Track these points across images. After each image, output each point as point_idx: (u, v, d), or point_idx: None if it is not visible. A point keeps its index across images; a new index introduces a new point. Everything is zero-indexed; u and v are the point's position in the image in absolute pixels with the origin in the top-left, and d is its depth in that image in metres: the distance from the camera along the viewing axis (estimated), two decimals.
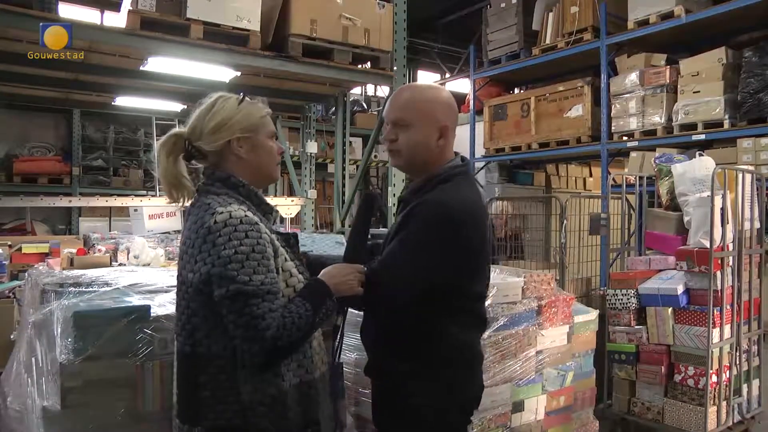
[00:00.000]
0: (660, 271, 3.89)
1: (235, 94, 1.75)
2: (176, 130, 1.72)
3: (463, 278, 1.81)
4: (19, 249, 4.34)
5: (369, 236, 1.98)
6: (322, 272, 1.71)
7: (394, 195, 5.11)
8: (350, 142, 7.47)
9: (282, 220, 6.43)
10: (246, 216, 1.56)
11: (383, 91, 12.06)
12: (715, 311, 3.57)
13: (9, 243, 4.44)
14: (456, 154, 1.93)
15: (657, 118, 6.22)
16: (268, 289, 1.52)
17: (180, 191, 1.68)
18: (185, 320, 1.61)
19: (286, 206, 6.16)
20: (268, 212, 1.73)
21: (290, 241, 1.76)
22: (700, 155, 4.10)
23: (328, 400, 1.79)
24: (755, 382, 3.98)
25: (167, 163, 1.67)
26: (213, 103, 1.70)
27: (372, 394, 2.03)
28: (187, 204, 1.72)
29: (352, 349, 2.58)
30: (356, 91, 11.98)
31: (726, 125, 5.69)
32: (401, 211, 1.87)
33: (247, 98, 1.74)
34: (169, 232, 5.08)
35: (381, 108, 7.33)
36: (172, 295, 1.86)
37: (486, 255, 1.89)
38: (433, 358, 1.83)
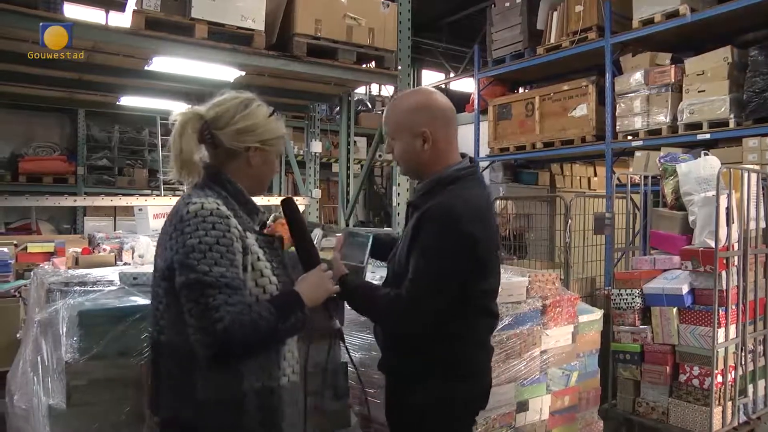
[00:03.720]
0: (665, 270, 3.87)
1: (268, 105, 1.75)
2: (198, 109, 1.69)
3: (474, 277, 1.83)
4: (25, 248, 4.35)
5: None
6: (297, 283, 1.70)
7: (399, 195, 5.12)
8: (354, 141, 7.47)
9: None
10: (218, 209, 1.55)
11: (388, 90, 12.08)
12: (720, 311, 3.55)
13: (15, 242, 4.46)
14: (464, 155, 1.95)
15: (662, 118, 6.20)
16: (227, 282, 1.49)
17: (192, 173, 1.65)
18: (154, 307, 1.61)
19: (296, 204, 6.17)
20: (253, 212, 1.72)
21: (274, 243, 1.73)
22: (705, 154, 4.09)
23: (297, 412, 1.75)
24: (761, 383, 3.96)
25: (191, 140, 1.63)
26: (247, 103, 1.70)
27: (386, 391, 2.05)
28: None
29: (356, 349, 2.59)
30: (360, 90, 12.00)
31: (731, 124, 5.67)
32: (411, 215, 1.92)
33: (276, 113, 1.75)
34: None
35: (385, 108, 7.34)
36: None
37: (494, 252, 1.92)
38: (440, 357, 1.85)
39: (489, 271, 1.90)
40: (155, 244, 1.69)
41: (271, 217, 2.27)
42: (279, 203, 1.89)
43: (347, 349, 1.93)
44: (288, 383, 1.69)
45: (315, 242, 2.06)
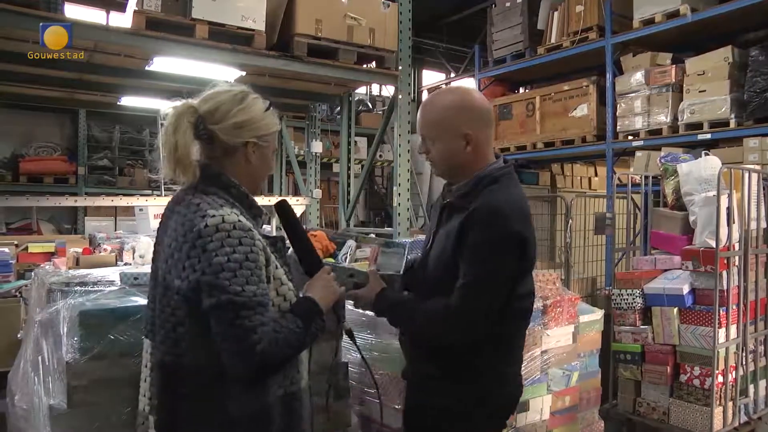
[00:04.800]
0: (665, 270, 3.88)
1: (262, 98, 1.68)
2: (190, 102, 1.61)
3: (520, 278, 1.81)
4: (26, 248, 4.35)
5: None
6: (307, 289, 1.67)
7: (399, 195, 5.12)
8: (355, 141, 7.46)
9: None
10: (239, 221, 1.48)
11: (388, 90, 12.06)
12: (720, 311, 3.55)
13: (15, 242, 4.46)
14: (497, 155, 1.93)
15: (662, 118, 6.20)
16: (259, 300, 1.44)
17: (186, 171, 1.57)
18: (170, 328, 1.52)
19: (291, 206, 6.15)
20: (258, 215, 1.65)
21: (278, 245, 1.65)
22: (706, 154, 4.09)
23: (311, 412, 1.73)
24: (762, 383, 3.96)
25: (186, 134, 1.55)
26: (243, 96, 1.63)
27: (406, 397, 2.03)
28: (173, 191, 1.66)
29: (356, 349, 2.58)
30: (361, 90, 11.98)
31: (732, 124, 5.67)
32: (448, 216, 1.86)
33: (272, 107, 1.69)
34: None
35: (386, 108, 7.34)
36: None
37: (533, 252, 1.88)
38: (477, 361, 1.82)
39: (530, 272, 1.88)
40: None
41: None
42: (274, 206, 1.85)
43: (359, 348, 1.92)
44: (305, 385, 1.68)
45: (348, 254, 2.04)
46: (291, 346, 1.49)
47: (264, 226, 1.84)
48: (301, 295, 1.66)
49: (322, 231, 2.22)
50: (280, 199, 1.88)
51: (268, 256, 1.55)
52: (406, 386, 2.03)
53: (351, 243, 2.13)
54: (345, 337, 1.95)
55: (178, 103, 1.62)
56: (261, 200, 5.67)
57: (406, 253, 2.03)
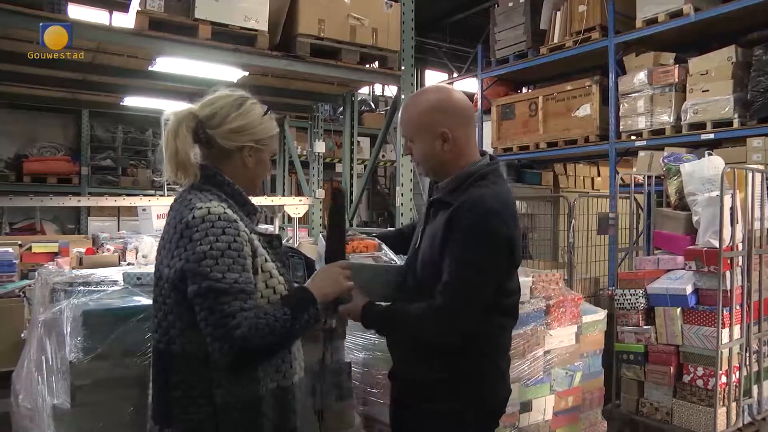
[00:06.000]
0: (669, 271, 3.87)
1: (261, 103, 1.71)
2: (191, 108, 1.66)
3: (506, 274, 1.82)
4: (29, 248, 4.37)
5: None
6: (313, 276, 1.69)
7: (402, 195, 5.12)
8: (358, 141, 7.47)
9: (289, 219, 6.42)
10: (225, 213, 1.53)
11: (391, 90, 12.07)
12: (724, 311, 3.55)
13: (19, 242, 4.47)
14: (483, 153, 1.94)
15: (665, 117, 6.19)
16: (241, 288, 1.48)
17: (187, 173, 1.62)
18: (161, 317, 1.57)
19: (294, 206, 6.15)
20: (252, 212, 1.71)
21: (273, 242, 1.71)
22: (709, 154, 4.08)
23: (308, 407, 1.74)
24: (766, 383, 3.95)
25: (186, 140, 1.60)
26: (242, 101, 1.67)
27: (392, 396, 2.03)
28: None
29: (360, 349, 2.59)
30: (364, 90, 12.01)
31: (735, 124, 5.65)
32: (435, 213, 1.87)
33: (270, 112, 1.72)
34: None
35: (388, 108, 7.34)
36: None
37: (520, 249, 1.89)
38: (461, 364, 1.81)
39: (515, 270, 1.89)
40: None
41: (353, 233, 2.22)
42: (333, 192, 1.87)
43: (326, 348, 1.91)
44: (299, 381, 1.70)
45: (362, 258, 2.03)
46: (274, 333, 1.49)
47: (265, 225, 1.85)
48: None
49: (374, 241, 2.17)
50: (338, 188, 1.92)
51: (255, 248, 1.58)
52: (395, 387, 2.02)
53: (378, 254, 2.12)
54: (346, 337, 1.94)
55: (180, 107, 1.66)
56: (263, 200, 5.67)
57: (383, 266, 2.00)
